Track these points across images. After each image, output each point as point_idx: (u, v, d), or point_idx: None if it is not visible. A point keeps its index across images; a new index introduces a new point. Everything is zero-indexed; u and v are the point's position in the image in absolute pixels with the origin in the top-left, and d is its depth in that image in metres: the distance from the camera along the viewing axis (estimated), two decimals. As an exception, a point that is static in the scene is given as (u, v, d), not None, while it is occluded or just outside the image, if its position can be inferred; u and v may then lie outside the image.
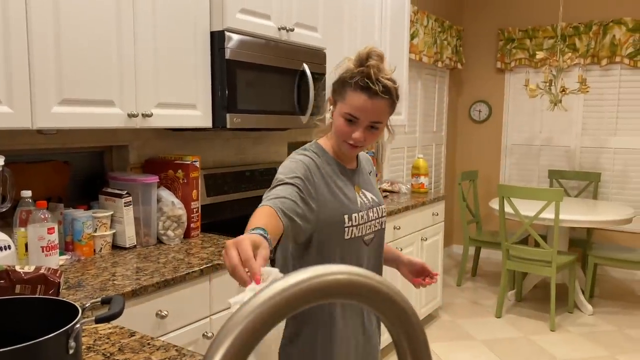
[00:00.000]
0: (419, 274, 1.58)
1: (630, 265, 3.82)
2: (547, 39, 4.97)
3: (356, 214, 1.38)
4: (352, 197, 1.39)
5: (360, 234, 1.39)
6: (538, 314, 3.94)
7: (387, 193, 3.63)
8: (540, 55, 4.27)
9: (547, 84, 4.19)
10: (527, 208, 3.90)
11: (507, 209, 3.82)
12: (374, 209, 1.44)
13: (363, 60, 1.30)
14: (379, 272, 1.49)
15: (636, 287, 4.64)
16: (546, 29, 4.97)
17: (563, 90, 4.10)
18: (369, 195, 1.46)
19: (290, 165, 1.30)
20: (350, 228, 1.36)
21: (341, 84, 1.33)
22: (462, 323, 3.76)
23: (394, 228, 3.08)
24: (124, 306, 0.94)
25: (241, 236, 0.93)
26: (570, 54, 4.21)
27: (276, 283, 0.43)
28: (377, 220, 1.45)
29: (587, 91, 4.12)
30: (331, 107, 1.38)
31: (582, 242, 4.59)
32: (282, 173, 1.29)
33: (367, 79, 1.27)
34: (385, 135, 1.66)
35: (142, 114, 1.90)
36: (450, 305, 4.10)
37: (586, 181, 4.85)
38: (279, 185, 1.26)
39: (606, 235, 4.91)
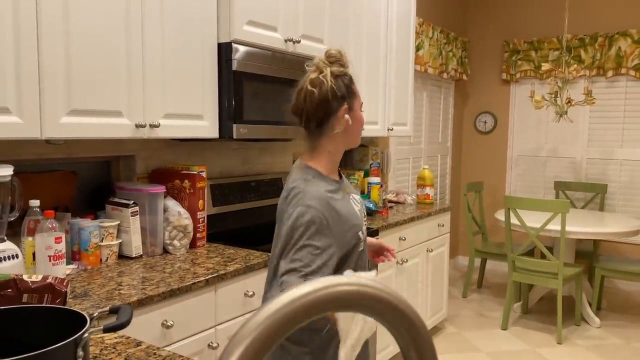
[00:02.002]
0: (378, 254, 1.69)
1: (638, 277, 3.79)
2: (553, 51, 4.98)
3: (363, 226, 1.48)
4: (353, 212, 1.45)
5: (364, 241, 1.48)
6: (544, 327, 3.90)
7: (393, 204, 3.62)
8: (545, 66, 4.28)
9: (553, 96, 4.19)
10: (533, 219, 3.89)
11: (513, 220, 3.80)
12: (364, 211, 1.55)
13: (340, 60, 1.45)
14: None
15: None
16: (551, 40, 4.98)
17: (569, 102, 4.10)
18: (356, 196, 1.54)
19: (309, 223, 1.32)
20: (362, 241, 1.46)
21: (347, 88, 1.44)
22: (467, 335, 3.73)
23: (400, 239, 3.08)
24: (132, 316, 0.94)
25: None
26: (575, 65, 4.22)
27: (285, 294, 0.43)
28: (366, 221, 1.56)
29: (593, 103, 4.12)
30: (347, 115, 1.44)
31: (588, 254, 4.56)
32: (305, 234, 1.31)
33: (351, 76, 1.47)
34: None
35: (150, 125, 1.91)
36: (455, 317, 4.08)
37: (592, 193, 4.83)
38: (315, 256, 1.30)
39: (613, 247, 4.87)
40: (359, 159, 3.75)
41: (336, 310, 0.45)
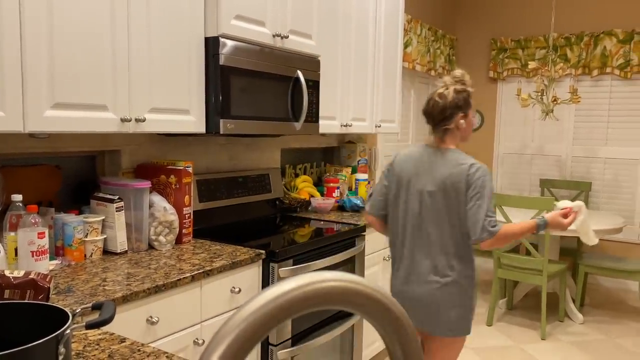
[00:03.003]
0: None
1: (620, 274, 3.85)
2: (539, 49, 5.02)
3: None
4: None
5: None
6: (529, 323, 3.95)
7: (380, 200, 3.63)
8: (532, 65, 4.31)
9: (539, 94, 4.22)
10: (519, 216, 3.92)
11: (499, 217, 3.83)
12: None
13: (462, 80, 2.02)
14: None
15: (626, 296, 4.67)
16: (538, 39, 5.02)
17: (555, 100, 4.14)
18: None
19: (490, 183, 1.94)
20: None
21: (465, 101, 2.00)
22: (453, 331, 3.76)
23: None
24: (115, 312, 0.93)
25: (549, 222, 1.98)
26: (561, 64, 4.25)
27: (270, 290, 0.43)
28: None
29: (579, 101, 4.16)
30: (462, 121, 2.00)
31: (572, 251, 4.61)
32: (490, 189, 1.92)
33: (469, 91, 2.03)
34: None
35: (135, 119, 1.89)
36: (441, 313, 4.10)
37: (577, 190, 4.89)
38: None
39: (597, 244, 4.94)
40: (347, 155, 3.76)
41: (322, 306, 0.45)
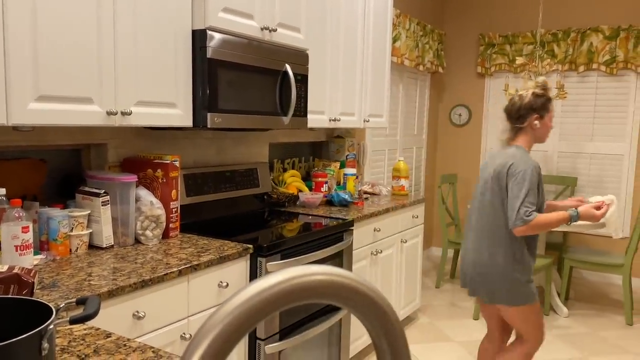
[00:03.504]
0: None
1: (605, 268, 3.90)
2: (527, 45, 5.05)
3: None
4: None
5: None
6: (515, 316, 3.98)
7: (368, 195, 3.64)
8: (519, 60, 4.34)
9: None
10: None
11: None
12: None
13: (543, 86, 2.28)
14: None
15: (610, 290, 4.73)
16: (526, 35, 5.05)
17: (541, 96, 4.17)
18: None
19: (533, 177, 2.15)
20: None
21: (542, 105, 2.25)
22: (440, 325, 3.79)
23: (374, 230, 3.09)
24: (100, 307, 0.92)
25: (581, 214, 2.17)
26: (548, 60, 4.28)
27: (255, 284, 0.43)
28: None
29: (565, 97, 4.20)
30: (537, 122, 2.25)
31: (558, 245, 4.66)
32: (530, 182, 2.14)
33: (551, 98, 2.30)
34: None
35: (121, 112, 1.87)
36: (428, 307, 4.13)
37: (563, 185, 4.93)
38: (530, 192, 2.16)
39: (582, 238, 5.00)
40: (335, 150, 3.75)
41: (308, 300, 0.45)
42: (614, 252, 4.21)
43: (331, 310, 2.60)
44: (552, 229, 2.18)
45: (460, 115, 5.55)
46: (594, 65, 4.74)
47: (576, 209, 2.19)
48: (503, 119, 2.36)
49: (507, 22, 5.21)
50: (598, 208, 2.19)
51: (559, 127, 5.04)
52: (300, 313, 2.39)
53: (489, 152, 2.31)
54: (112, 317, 1.57)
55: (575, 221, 2.16)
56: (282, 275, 0.44)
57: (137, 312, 1.64)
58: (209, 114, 2.14)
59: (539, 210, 2.21)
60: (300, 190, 3.27)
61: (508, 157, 2.21)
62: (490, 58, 5.25)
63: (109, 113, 1.83)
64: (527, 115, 2.26)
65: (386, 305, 0.47)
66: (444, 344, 3.47)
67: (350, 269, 2.80)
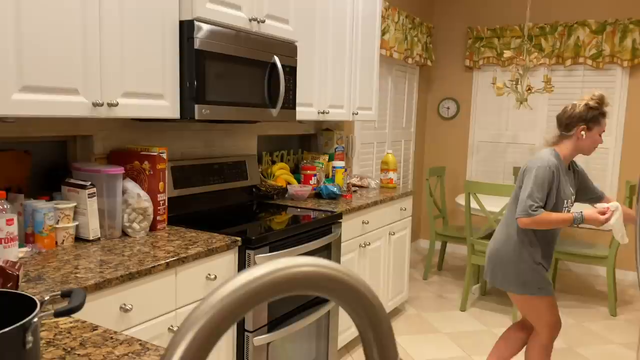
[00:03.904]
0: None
1: (590, 260, 3.95)
2: (515, 39, 5.07)
3: (568, 200, 2.35)
4: (567, 189, 2.33)
5: (568, 208, 2.38)
6: (501, 308, 4.03)
7: (357, 188, 3.64)
8: (507, 54, 4.35)
9: (514, 83, 4.27)
10: (493, 204, 3.98)
11: (473, 204, 3.89)
12: (572, 192, 2.40)
13: (598, 100, 2.28)
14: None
15: (595, 281, 4.80)
16: (514, 28, 5.07)
17: (529, 89, 4.20)
18: (569, 182, 2.38)
19: (544, 174, 2.25)
20: (566, 207, 2.35)
21: (593, 117, 2.27)
22: (427, 316, 3.82)
23: (363, 222, 3.10)
24: (85, 300, 0.92)
25: (586, 218, 2.28)
26: (536, 53, 4.30)
27: (241, 275, 0.42)
28: (572, 199, 2.40)
29: (552, 90, 4.23)
30: (583, 132, 2.28)
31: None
32: (538, 177, 2.25)
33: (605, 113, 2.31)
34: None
35: (108, 103, 1.85)
36: (416, 299, 4.16)
37: (549, 178, 4.97)
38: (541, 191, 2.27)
39: (567, 231, 5.06)
40: (324, 142, 3.75)
41: (294, 291, 0.44)
42: (599, 244, 4.27)
43: (320, 302, 2.61)
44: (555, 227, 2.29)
45: (448, 108, 5.57)
46: (581, 59, 4.78)
47: (582, 212, 2.29)
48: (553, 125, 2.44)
49: (495, 16, 5.22)
50: (602, 213, 2.28)
51: (546, 121, 5.08)
52: (289, 305, 2.40)
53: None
54: (99, 310, 1.56)
55: (579, 223, 2.26)
56: (269, 267, 0.44)
57: (125, 304, 1.63)
58: (196, 106, 2.12)
59: (552, 209, 2.30)
60: (289, 183, 3.26)
61: (537, 158, 2.31)
62: (478, 51, 5.26)
63: (95, 104, 1.81)
64: (574, 125, 2.29)
65: (373, 297, 0.47)
66: (431, 335, 3.50)
67: (338, 261, 2.81)
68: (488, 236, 4.45)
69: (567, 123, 2.32)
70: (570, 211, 2.36)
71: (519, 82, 4.27)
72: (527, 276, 2.35)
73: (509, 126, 5.28)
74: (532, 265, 2.35)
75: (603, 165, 4.88)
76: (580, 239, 4.98)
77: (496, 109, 5.33)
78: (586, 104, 2.28)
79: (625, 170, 4.81)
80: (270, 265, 0.44)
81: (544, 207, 2.27)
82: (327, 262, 0.45)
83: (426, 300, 4.16)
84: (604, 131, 2.32)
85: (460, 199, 4.21)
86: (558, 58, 4.88)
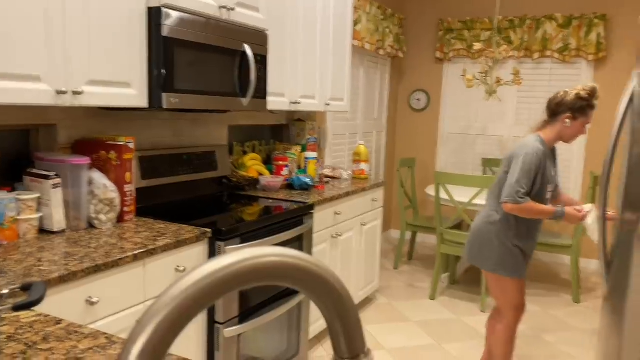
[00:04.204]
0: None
1: (555, 249, 4.05)
2: (485, 31, 5.13)
3: (551, 185, 2.43)
4: (550, 173, 2.41)
5: (551, 192, 2.46)
6: (470, 296, 4.11)
7: (329, 179, 3.64)
8: (477, 46, 4.40)
9: (483, 75, 4.33)
10: (462, 194, 4.04)
11: (443, 195, 3.94)
12: (556, 176, 2.49)
13: (590, 92, 2.33)
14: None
15: (560, 270, 4.93)
16: (484, 21, 5.12)
17: (498, 82, 4.26)
18: (553, 165, 2.47)
19: (531, 160, 2.31)
20: (548, 192, 2.42)
21: (580, 107, 2.33)
22: (398, 305, 3.86)
23: (335, 213, 3.11)
24: (45, 293, 0.89)
25: (566, 214, 2.35)
26: (505, 46, 4.36)
27: (206, 265, 0.41)
28: (556, 182, 2.50)
29: (520, 83, 4.30)
30: (568, 120, 2.35)
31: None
32: (525, 164, 2.30)
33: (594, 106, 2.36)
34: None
35: (72, 92, 1.80)
36: (387, 288, 4.20)
37: (517, 169, 5.07)
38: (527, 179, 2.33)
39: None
40: (296, 133, 3.73)
41: (261, 282, 0.44)
42: (565, 234, 4.38)
43: (291, 293, 2.61)
44: (535, 217, 2.38)
45: (419, 100, 5.61)
46: (548, 53, 4.87)
47: (563, 207, 2.36)
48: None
49: (465, 8, 5.27)
50: (579, 212, 2.39)
51: (514, 113, 5.17)
52: (260, 296, 2.39)
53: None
54: (63, 304, 1.52)
55: (559, 217, 2.35)
56: (235, 257, 0.43)
57: (91, 297, 1.60)
58: (164, 95, 2.08)
59: (537, 193, 2.37)
60: (260, 174, 3.24)
61: (523, 144, 2.36)
62: (449, 43, 5.31)
63: (59, 92, 1.75)
64: (562, 112, 2.36)
65: (341, 287, 0.47)
66: (401, 324, 3.55)
67: (310, 252, 2.81)
68: (457, 226, 4.52)
69: (555, 109, 2.38)
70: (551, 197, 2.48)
71: (489, 75, 4.32)
72: (503, 257, 2.43)
73: (479, 118, 5.35)
74: (510, 247, 2.42)
75: (569, 156, 5.00)
76: (547, 229, 5.11)
77: (466, 101, 5.39)
78: (577, 94, 2.33)
79: (590, 161, 4.94)
80: (236, 256, 0.43)
81: (530, 192, 2.34)
82: (294, 252, 0.44)
83: (397, 289, 4.20)
84: (588, 123, 2.38)
85: (430, 190, 4.26)
86: (526, 51, 4.97)
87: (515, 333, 2.56)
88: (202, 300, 0.40)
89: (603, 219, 2.22)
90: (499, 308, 2.58)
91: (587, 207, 2.39)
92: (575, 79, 4.89)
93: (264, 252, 0.44)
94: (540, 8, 4.93)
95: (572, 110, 2.34)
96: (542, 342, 3.35)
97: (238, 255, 0.42)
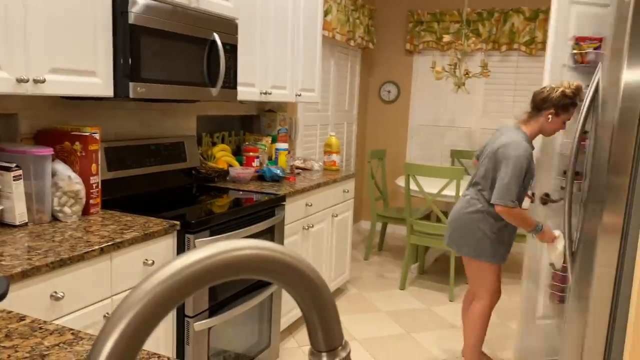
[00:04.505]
0: None
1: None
2: (454, 24, 5.18)
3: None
4: (533, 168, 2.48)
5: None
6: (438, 286, 4.17)
7: (300, 170, 3.63)
8: (446, 38, 4.44)
9: (453, 67, 4.37)
10: (431, 185, 4.09)
11: (412, 186, 3.97)
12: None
13: (575, 90, 2.40)
14: None
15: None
16: (453, 13, 5.17)
17: (466, 74, 4.31)
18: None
19: (522, 163, 2.37)
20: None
21: (564, 104, 2.40)
22: (368, 296, 3.89)
23: (306, 205, 3.10)
24: (8, 289, 0.85)
25: (543, 231, 2.47)
26: (474, 38, 4.41)
27: (179, 259, 0.40)
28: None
29: (488, 75, 4.36)
30: (550, 116, 2.42)
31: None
32: (517, 167, 2.36)
33: (576, 104, 2.42)
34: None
35: (34, 80, 1.73)
36: (357, 279, 4.23)
37: (484, 161, 5.15)
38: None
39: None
40: (267, 124, 3.70)
41: (236, 276, 0.42)
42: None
43: (262, 285, 2.59)
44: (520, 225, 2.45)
45: (389, 91, 5.64)
46: (515, 46, 4.95)
47: (542, 224, 2.47)
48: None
49: (435, 0, 5.30)
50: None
51: (482, 105, 5.25)
52: (231, 289, 2.37)
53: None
54: (27, 299, 1.47)
55: (537, 232, 2.45)
56: (209, 250, 0.41)
57: (56, 292, 1.55)
58: (131, 84, 2.03)
59: (521, 190, 2.43)
60: (230, 165, 3.20)
61: (507, 140, 2.41)
62: (418, 35, 5.34)
63: (19, 80, 1.68)
64: (546, 109, 2.43)
65: (317, 278, 0.46)
66: (372, 314, 3.58)
67: (282, 243, 2.79)
68: (426, 217, 4.57)
69: (540, 105, 2.45)
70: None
71: (457, 67, 4.37)
72: (483, 243, 2.50)
73: (447, 110, 5.41)
74: (490, 234, 2.50)
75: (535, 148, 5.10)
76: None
77: (435, 93, 5.44)
78: (562, 91, 2.40)
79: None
80: (210, 249, 0.41)
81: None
82: (270, 244, 0.43)
83: (367, 280, 4.23)
84: (569, 119, 2.46)
85: (400, 181, 4.30)
86: (494, 44, 5.04)
87: (489, 318, 2.63)
88: (175, 295, 0.38)
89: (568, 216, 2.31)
90: (474, 292, 2.65)
91: (557, 232, 2.50)
92: (542, 71, 4.98)
93: (238, 244, 0.42)
94: (508, 1, 5.01)
95: (555, 107, 2.41)
96: (508, 329, 3.43)
97: (214, 248, 0.41)
